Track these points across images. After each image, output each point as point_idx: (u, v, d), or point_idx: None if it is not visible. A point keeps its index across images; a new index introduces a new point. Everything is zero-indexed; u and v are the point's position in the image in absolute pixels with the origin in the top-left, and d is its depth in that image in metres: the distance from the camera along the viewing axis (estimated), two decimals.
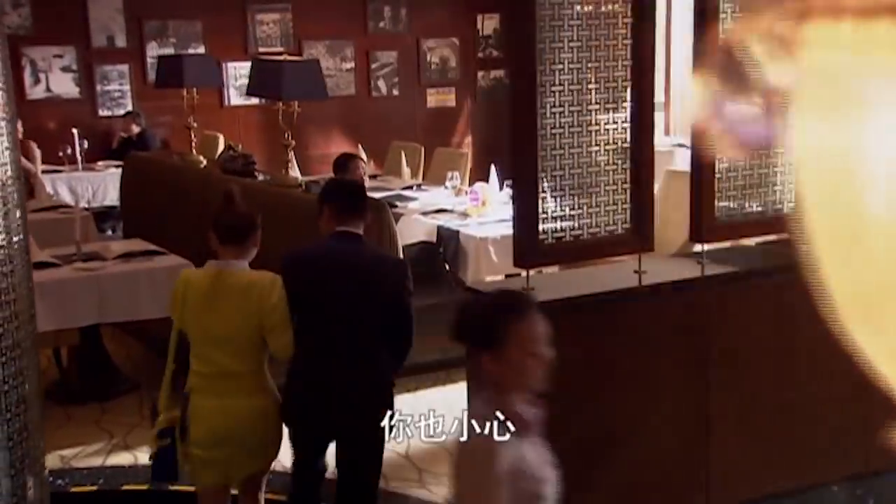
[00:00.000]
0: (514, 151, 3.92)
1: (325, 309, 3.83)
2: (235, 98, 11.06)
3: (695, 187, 4.18)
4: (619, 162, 4.03)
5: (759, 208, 4.27)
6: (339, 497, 3.98)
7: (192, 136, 7.91)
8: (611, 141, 4.00)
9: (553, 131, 3.89)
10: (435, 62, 11.98)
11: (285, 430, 3.90)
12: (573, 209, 3.97)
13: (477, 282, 5.03)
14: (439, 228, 6.80)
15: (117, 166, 9.62)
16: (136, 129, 10.22)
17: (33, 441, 2.87)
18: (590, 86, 3.93)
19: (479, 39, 12.20)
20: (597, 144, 3.98)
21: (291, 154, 6.64)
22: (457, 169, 8.61)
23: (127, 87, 10.76)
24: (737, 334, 4.17)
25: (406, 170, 8.50)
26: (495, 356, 2.44)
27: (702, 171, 4.14)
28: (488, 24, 12.20)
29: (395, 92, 11.82)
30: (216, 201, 7.12)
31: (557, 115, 3.89)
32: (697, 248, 4.34)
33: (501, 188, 7.47)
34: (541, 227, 3.89)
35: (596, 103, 3.95)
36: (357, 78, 11.63)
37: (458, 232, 6.64)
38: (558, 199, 3.93)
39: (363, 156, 9.21)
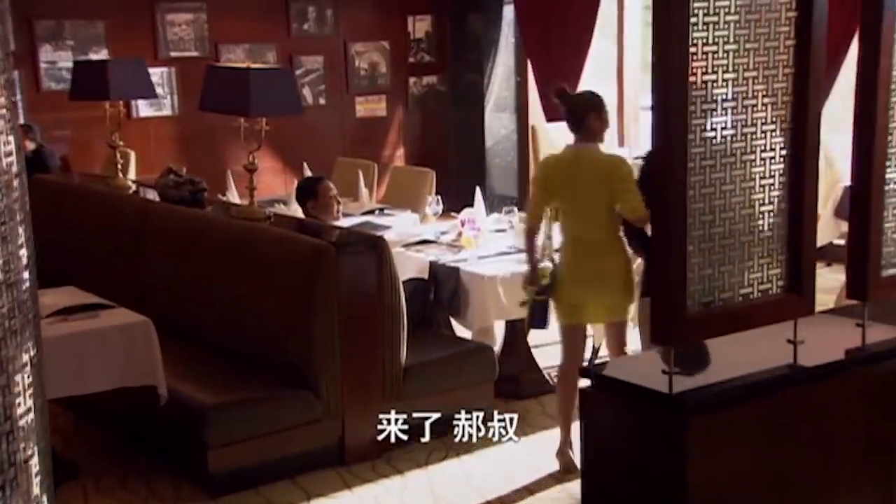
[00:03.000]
0: (658, 191, 2.94)
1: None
2: (145, 109, 9.78)
3: (857, 232, 3.27)
4: (776, 201, 3.09)
5: None
6: None
7: (118, 156, 6.69)
8: (767, 174, 3.06)
9: (703, 163, 2.93)
10: (364, 68, 10.90)
11: None
12: (723, 265, 3.01)
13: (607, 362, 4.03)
14: (432, 265, 5.76)
15: None
16: (30, 145, 8.86)
17: None
18: (746, 102, 2.98)
19: (411, 43, 11.18)
20: (751, 178, 3.04)
21: (253, 180, 5.51)
22: (422, 190, 7.60)
23: (17, 97, 9.37)
24: None
25: (364, 191, 7.43)
26: None
27: (868, 214, 3.22)
28: (420, 26, 11.19)
29: (322, 101, 10.69)
30: (160, 236, 5.98)
31: (709, 143, 2.93)
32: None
33: (488, 213, 6.51)
34: (688, 289, 2.92)
35: (752, 124, 3.01)
36: None
37: (457, 269, 5.62)
38: (706, 253, 2.97)
39: (308, 174, 8.11)
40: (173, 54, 9.90)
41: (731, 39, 2.90)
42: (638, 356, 3.25)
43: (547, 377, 5.99)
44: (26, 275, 1.86)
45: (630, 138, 10.30)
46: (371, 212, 7.07)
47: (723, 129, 2.94)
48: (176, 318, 5.39)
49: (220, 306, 5.26)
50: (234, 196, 7.44)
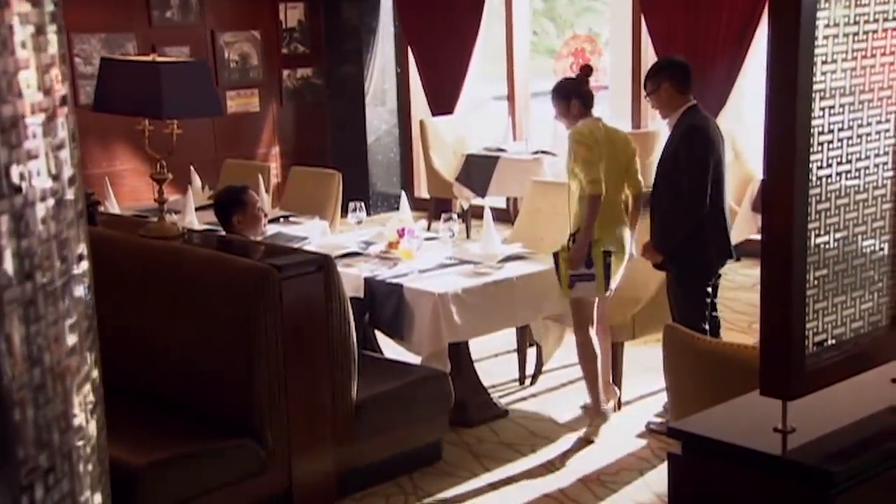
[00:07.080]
0: (769, 206, 2.39)
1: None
2: None
3: None
4: (888, 214, 2.59)
5: None
6: None
7: None
8: (880, 182, 2.56)
9: (820, 172, 2.40)
10: (234, 60, 10.07)
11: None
12: (836, 295, 2.49)
13: None
14: (368, 282, 5.10)
15: None
16: None
17: None
18: (863, 95, 2.47)
19: (283, 33, 10.40)
20: (864, 190, 2.52)
21: (162, 192, 4.73)
22: (328, 193, 6.91)
23: None
24: None
25: (265, 197, 6.67)
26: None
27: None
28: (291, 14, 10.42)
29: None
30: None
31: (826, 147, 2.40)
32: None
33: (372, 213, 5.89)
34: (807, 326, 2.40)
35: (867, 123, 2.50)
36: None
37: (399, 286, 4.98)
38: (821, 282, 2.45)
39: (197, 180, 7.31)
40: None
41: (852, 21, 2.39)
42: (730, 406, 2.69)
43: (494, 400, 5.43)
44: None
45: (522, 131, 9.81)
46: (276, 220, 6.35)
47: (840, 128, 2.42)
48: None
49: (137, 345, 4.46)
50: (114, 206, 6.59)
